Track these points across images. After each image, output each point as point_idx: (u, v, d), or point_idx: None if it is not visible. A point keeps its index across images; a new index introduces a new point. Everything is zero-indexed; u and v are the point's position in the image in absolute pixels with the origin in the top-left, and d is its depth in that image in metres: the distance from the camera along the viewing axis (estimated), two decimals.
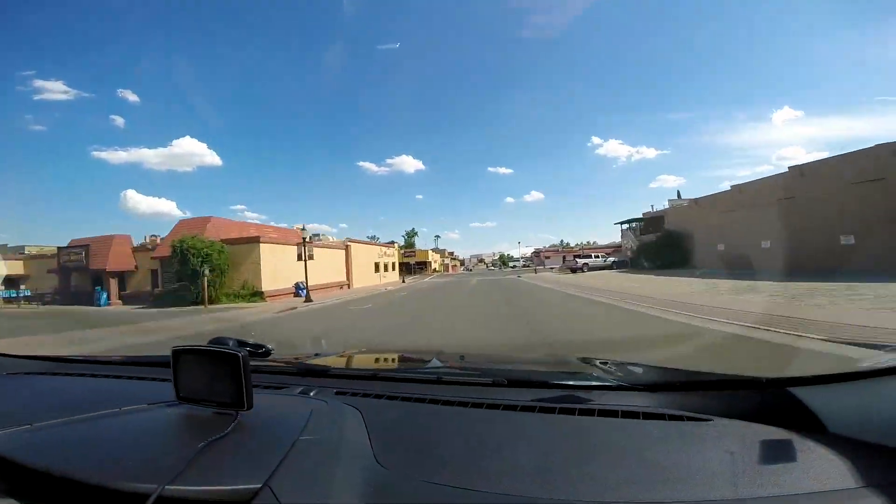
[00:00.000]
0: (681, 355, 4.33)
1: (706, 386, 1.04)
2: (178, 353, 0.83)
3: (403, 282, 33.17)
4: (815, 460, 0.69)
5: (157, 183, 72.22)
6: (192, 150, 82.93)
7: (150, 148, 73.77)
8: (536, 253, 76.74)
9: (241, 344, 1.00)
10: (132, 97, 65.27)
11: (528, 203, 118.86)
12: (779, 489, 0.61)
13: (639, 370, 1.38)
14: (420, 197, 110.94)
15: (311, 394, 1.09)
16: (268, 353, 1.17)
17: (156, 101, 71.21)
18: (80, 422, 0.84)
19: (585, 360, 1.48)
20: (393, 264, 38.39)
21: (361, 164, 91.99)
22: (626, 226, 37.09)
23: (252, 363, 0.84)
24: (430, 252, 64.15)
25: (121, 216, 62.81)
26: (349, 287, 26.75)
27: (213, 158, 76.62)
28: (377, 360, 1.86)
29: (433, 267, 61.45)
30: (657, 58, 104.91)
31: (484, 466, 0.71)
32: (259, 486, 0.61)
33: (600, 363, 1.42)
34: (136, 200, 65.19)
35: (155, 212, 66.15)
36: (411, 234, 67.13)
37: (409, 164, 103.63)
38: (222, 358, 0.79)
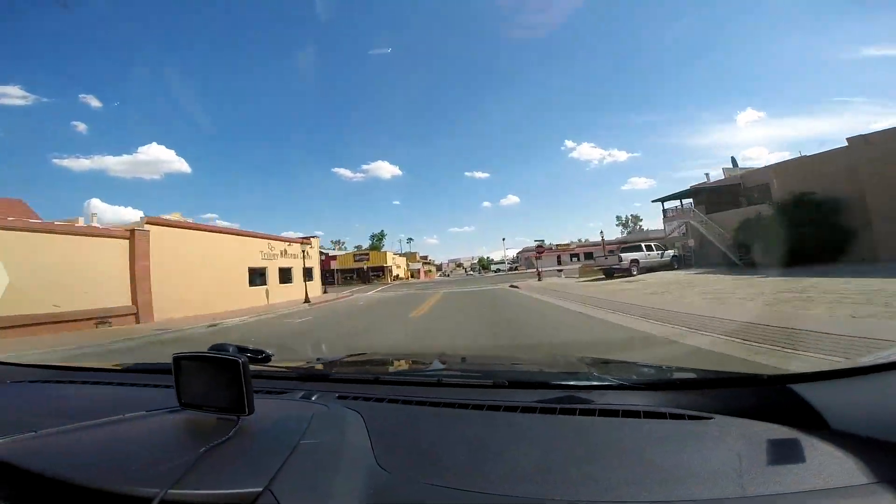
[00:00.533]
0: (674, 355, 4.27)
1: (707, 384, 1.04)
2: (179, 360, 0.84)
3: (307, 301, 17.64)
4: (819, 457, 0.68)
5: (123, 191, 68.25)
6: (159, 157, 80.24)
7: (114, 155, 70.25)
8: (526, 252, 57.22)
9: (241, 350, 1.00)
10: (95, 102, 62.69)
11: (505, 207, 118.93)
12: (782, 487, 0.61)
13: (639, 369, 1.38)
14: (397, 203, 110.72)
15: (313, 398, 1.09)
16: (268, 358, 1.18)
17: (121, 107, 68.39)
18: (83, 428, 0.85)
19: (586, 361, 1.48)
20: (308, 270, 22.01)
21: (337, 170, 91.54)
22: (675, 204, 23.82)
23: (253, 368, 0.85)
24: (389, 255, 52.98)
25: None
26: (137, 319, 12.38)
27: (181, 165, 74.81)
28: (378, 363, 1.86)
29: (394, 273, 51.53)
30: (628, 63, 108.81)
31: (485, 468, 0.72)
32: (260, 489, 0.61)
33: (601, 363, 1.42)
34: (101, 209, 61.56)
35: (122, 221, 62.00)
36: (379, 237, 62.24)
37: (385, 169, 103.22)
38: (222, 364, 0.79)
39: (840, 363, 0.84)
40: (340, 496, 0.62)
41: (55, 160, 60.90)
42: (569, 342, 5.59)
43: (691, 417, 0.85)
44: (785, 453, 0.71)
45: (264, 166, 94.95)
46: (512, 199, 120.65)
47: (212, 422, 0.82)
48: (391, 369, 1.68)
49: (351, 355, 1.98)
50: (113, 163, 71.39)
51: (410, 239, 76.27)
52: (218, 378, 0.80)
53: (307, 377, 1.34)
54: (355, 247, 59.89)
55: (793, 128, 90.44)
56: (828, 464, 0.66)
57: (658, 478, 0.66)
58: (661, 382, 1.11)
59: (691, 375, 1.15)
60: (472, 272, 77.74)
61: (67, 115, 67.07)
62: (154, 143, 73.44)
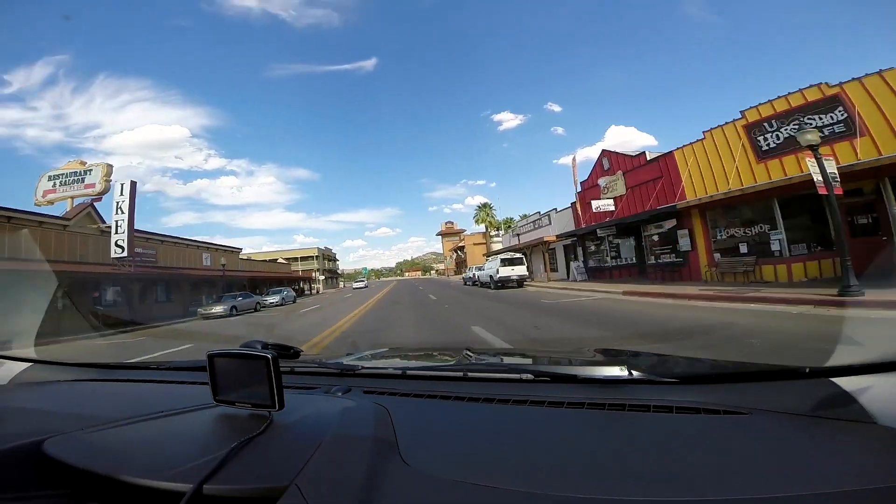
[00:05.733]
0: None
1: (744, 377, 1.01)
2: (213, 358, 0.85)
3: None
4: (864, 455, 0.66)
5: None
6: None
7: None
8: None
9: (272, 346, 1.03)
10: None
11: None
12: (825, 486, 0.58)
13: (669, 362, 1.35)
14: None
15: (341, 393, 1.10)
16: (297, 354, 1.20)
17: None
18: (125, 425, 0.89)
19: (614, 353, 1.46)
20: None
21: None
22: None
23: (283, 365, 0.86)
24: None
25: None
26: None
27: None
28: (405, 358, 1.86)
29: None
30: None
31: (511, 464, 0.71)
32: (287, 484, 0.63)
33: (629, 355, 1.40)
34: None
35: None
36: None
37: None
38: (253, 360, 0.82)
39: (888, 356, 0.80)
40: (365, 492, 0.62)
41: None
42: (588, 337, 5.64)
43: (727, 412, 0.82)
44: (828, 450, 0.69)
45: None
46: None
47: (245, 417, 0.84)
48: (418, 363, 1.68)
49: (378, 350, 1.97)
50: None
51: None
52: (250, 374, 0.82)
53: (336, 373, 1.36)
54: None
55: None
56: (874, 461, 0.64)
57: (693, 476, 0.64)
58: (694, 376, 1.08)
59: (727, 369, 1.11)
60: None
61: None
62: None
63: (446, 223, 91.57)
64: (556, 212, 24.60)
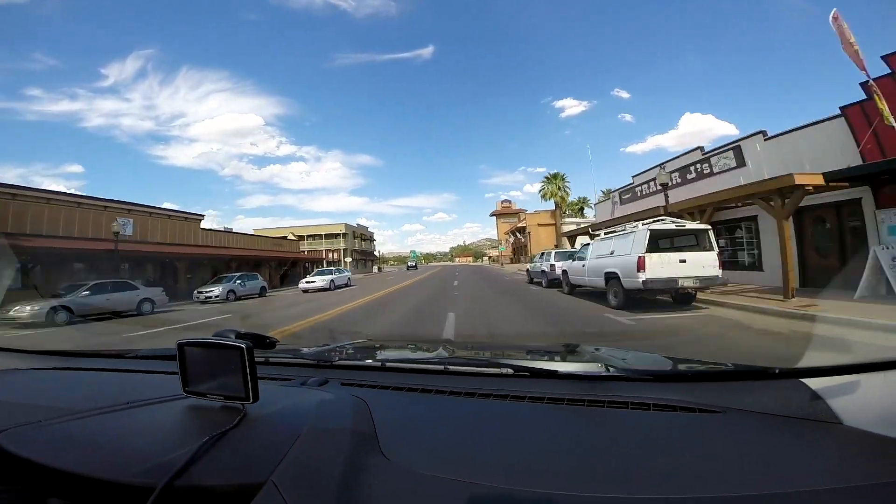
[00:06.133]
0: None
1: (718, 377, 1.01)
2: (183, 347, 0.82)
3: None
4: (831, 454, 0.67)
5: None
6: None
7: None
8: None
9: (246, 336, 0.96)
10: None
11: None
12: (793, 484, 0.59)
13: (649, 360, 1.36)
14: None
15: (318, 385, 1.08)
16: (273, 344, 1.13)
17: None
18: (88, 417, 0.85)
19: (595, 349, 1.48)
20: None
21: None
22: None
23: (259, 355, 0.86)
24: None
25: None
26: None
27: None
28: (384, 350, 1.84)
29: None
30: None
31: (491, 459, 0.71)
32: (263, 480, 0.61)
33: (609, 352, 1.42)
34: None
35: None
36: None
37: None
38: (226, 350, 0.78)
39: (854, 358, 0.81)
40: (344, 486, 0.61)
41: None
42: (571, 332, 5.55)
43: (702, 410, 0.83)
44: (796, 449, 0.69)
45: None
46: None
47: (217, 410, 0.81)
48: (397, 356, 1.66)
49: (356, 341, 2.00)
50: None
51: None
52: (222, 365, 0.78)
53: (313, 364, 1.32)
54: None
55: None
56: (840, 461, 0.65)
57: (668, 472, 0.64)
58: (672, 374, 1.10)
59: (702, 368, 1.12)
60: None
61: None
62: None
63: (502, 202, 78.63)
64: (766, 139, 11.18)
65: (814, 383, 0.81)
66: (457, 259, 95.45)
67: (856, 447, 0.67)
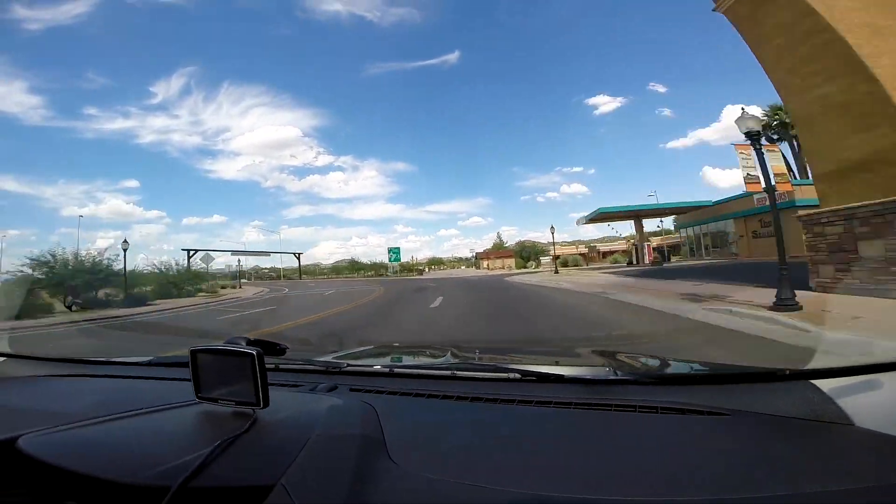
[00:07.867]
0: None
1: (724, 379, 1.01)
2: (196, 353, 0.83)
3: None
4: (844, 455, 0.67)
5: None
6: None
7: None
8: None
9: (257, 343, 0.96)
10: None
11: None
12: (803, 486, 0.58)
13: (655, 363, 1.37)
14: None
15: (327, 391, 1.11)
16: (283, 351, 1.13)
17: None
18: (102, 422, 0.86)
19: (600, 353, 1.50)
20: None
21: None
22: None
23: (269, 361, 0.86)
24: None
25: None
26: None
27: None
28: (392, 356, 1.87)
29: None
30: None
31: (499, 463, 0.72)
32: (273, 483, 0.62)
33: (615, 356, 1.42)
34: None
35: None
36: None
37: None
38: (238, 357, 0.80)
39: (865, 359, 0.81)
40: (353, 490, 0.61)
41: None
42: (579, 337, 5.63)
43: (710, 413, 0.83)
44: (808, 450, 0.69)
45: None
46: None
47: (228, 415, 0.82)
48: (405, 361, 1.69)
49: (365, 347, 2.07)
50: None
51: None
52: (234, 371, 0.80)
53: (322, 370, 1.34)
54: None
55: None
56: (851, 463, 0.65)
57: (676, 475, 0.65)
58: (678, 377, 1.11)
59: (708, 370, 1.13)
60: None
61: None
62: None
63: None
64: None
65: (824, 384, 0.81)
66: (484, 263, 50.29)
67: (869, 448, 0.67)
